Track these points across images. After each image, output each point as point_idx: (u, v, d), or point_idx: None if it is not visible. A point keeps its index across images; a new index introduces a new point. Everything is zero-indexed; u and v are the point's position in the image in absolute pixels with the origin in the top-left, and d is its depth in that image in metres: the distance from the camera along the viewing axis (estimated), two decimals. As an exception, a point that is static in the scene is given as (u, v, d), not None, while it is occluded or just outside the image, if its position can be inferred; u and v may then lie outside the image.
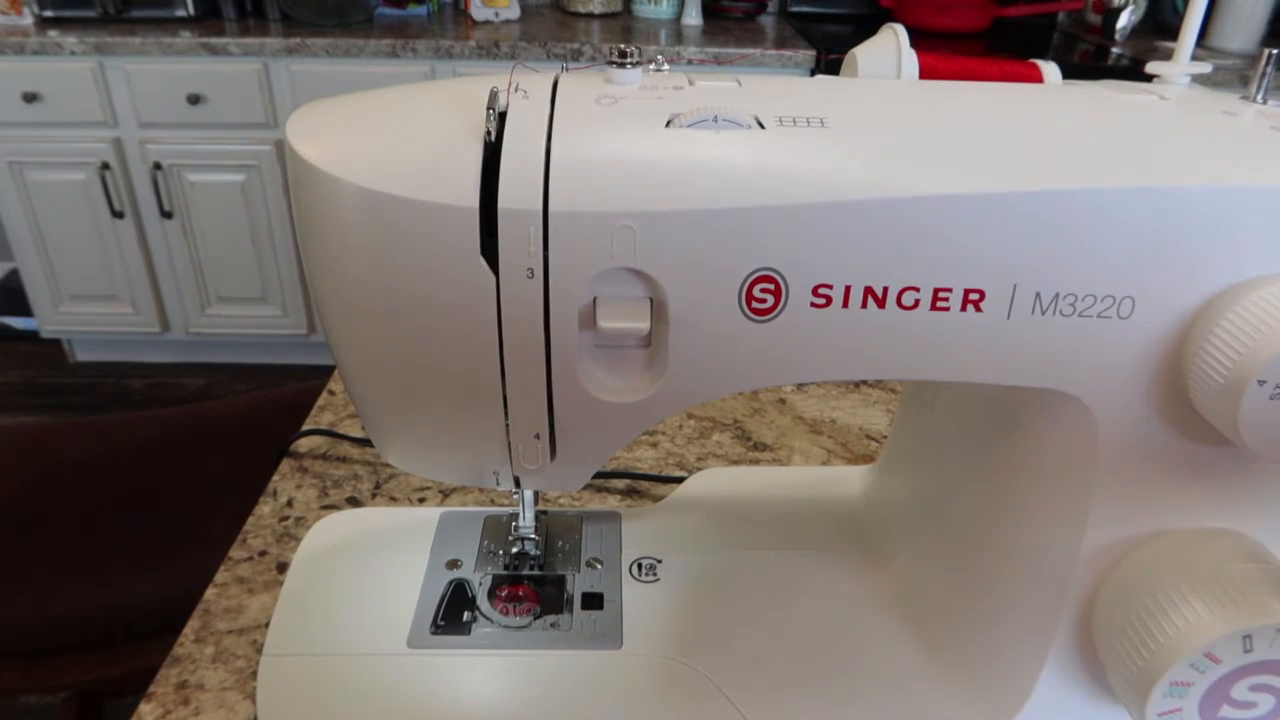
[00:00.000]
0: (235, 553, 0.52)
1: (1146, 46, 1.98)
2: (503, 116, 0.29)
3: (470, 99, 0.30)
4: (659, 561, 0.46)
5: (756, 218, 0.28)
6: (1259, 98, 0.33)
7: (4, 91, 1.78)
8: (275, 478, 0.59)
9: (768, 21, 2.17)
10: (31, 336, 2.16)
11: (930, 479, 0.44)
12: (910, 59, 0.35)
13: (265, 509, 0.56)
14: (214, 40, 1.74)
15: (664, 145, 0.28)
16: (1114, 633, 0.33)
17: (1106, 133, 0.31)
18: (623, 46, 0.32)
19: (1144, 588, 0.33)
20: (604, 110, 0.30)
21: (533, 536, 0.46)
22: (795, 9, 2.21)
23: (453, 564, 0.46)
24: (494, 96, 0.29)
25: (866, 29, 2.13)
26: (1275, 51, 0.32)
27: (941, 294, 0.30)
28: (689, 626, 0.42)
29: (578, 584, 0.45)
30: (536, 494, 0.47)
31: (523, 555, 0.46)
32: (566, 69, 0.33)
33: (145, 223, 1.94)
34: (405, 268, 0.29)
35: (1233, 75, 1.79)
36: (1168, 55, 0.35)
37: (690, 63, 1.80)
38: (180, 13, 1.85)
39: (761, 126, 0.29)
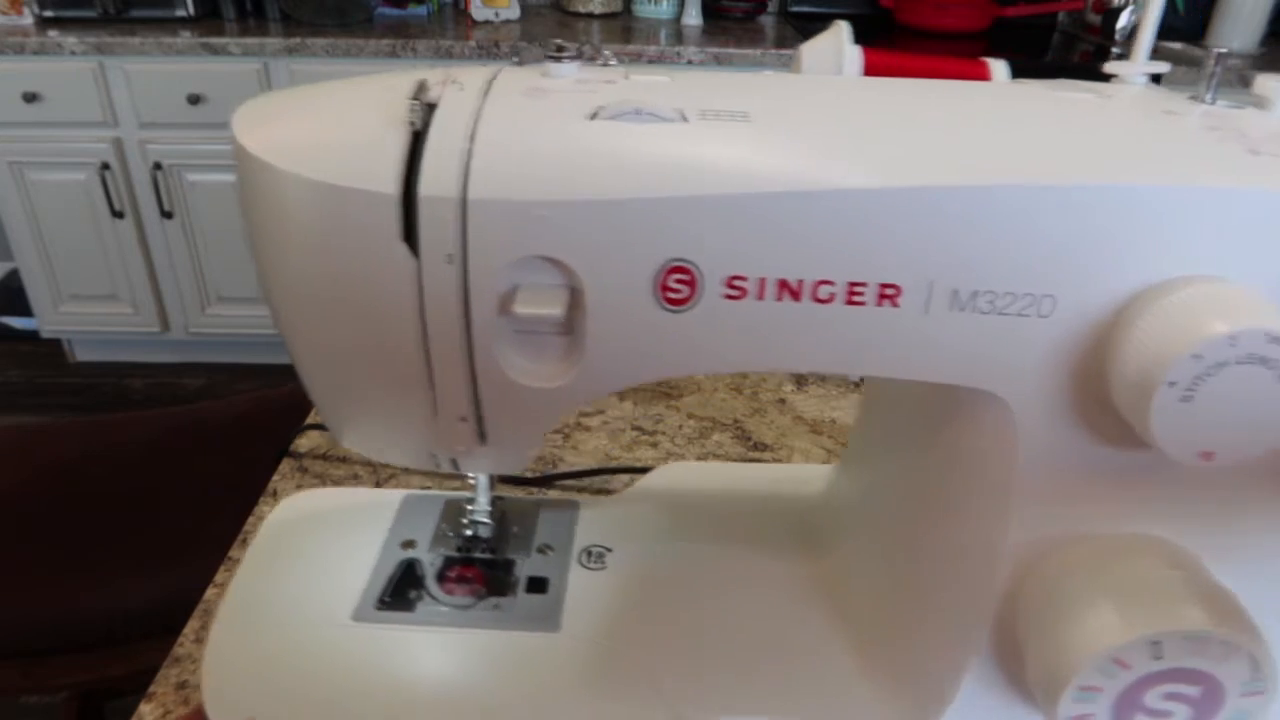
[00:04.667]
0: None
1: (1146, 46, 1.98)
2: (433, 107, 0.29)
3: (408, 91, 0.31)
4: (608, 550, 0.47)
5: (670, 209, 0.28)
6: (1208, 98, 0.32)
7: (4, 91, 1.78)
8: (275, 478, 0.59)
9: (768, 21, 2.17)
10: (31, 336, 2.16)
11: (875, 477, 0.45)
12: (852, 55, 0.35)
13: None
14: (214, 40, 1.74)
15: (583, 137, 0.29)
16: (1031, 635, 0.33)
17: (1032, 131, 0.30)
18: (559, 41, 0.32)
19: (1061, 591, 0.32)
20: (531, 103, 0.30)
21: (486, 520, 0.47)
22: (795, 9, 2.21)
23: (407, 544, 0.47)
24: (421, 87, 0.29)
25: (867, 29, 2.13)
26: (1223, 50, 0.32)
27: (856, 288, 0.29)
28: (628, 614, 0.43)
29: (526, 568, 0.45)
30: (493, 480, 0.47)
31: (475, 538, 0.47)
32: (517, 62, 0.33)
33: (145, 223, 1.94)
34: (334, 252, 0.30)
35: (1232, 75, 1.79)
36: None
37: (690, 63, 1.80)
38: (180, 13, 1.85)
39: (685, 120, 0.30)
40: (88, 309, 2.03)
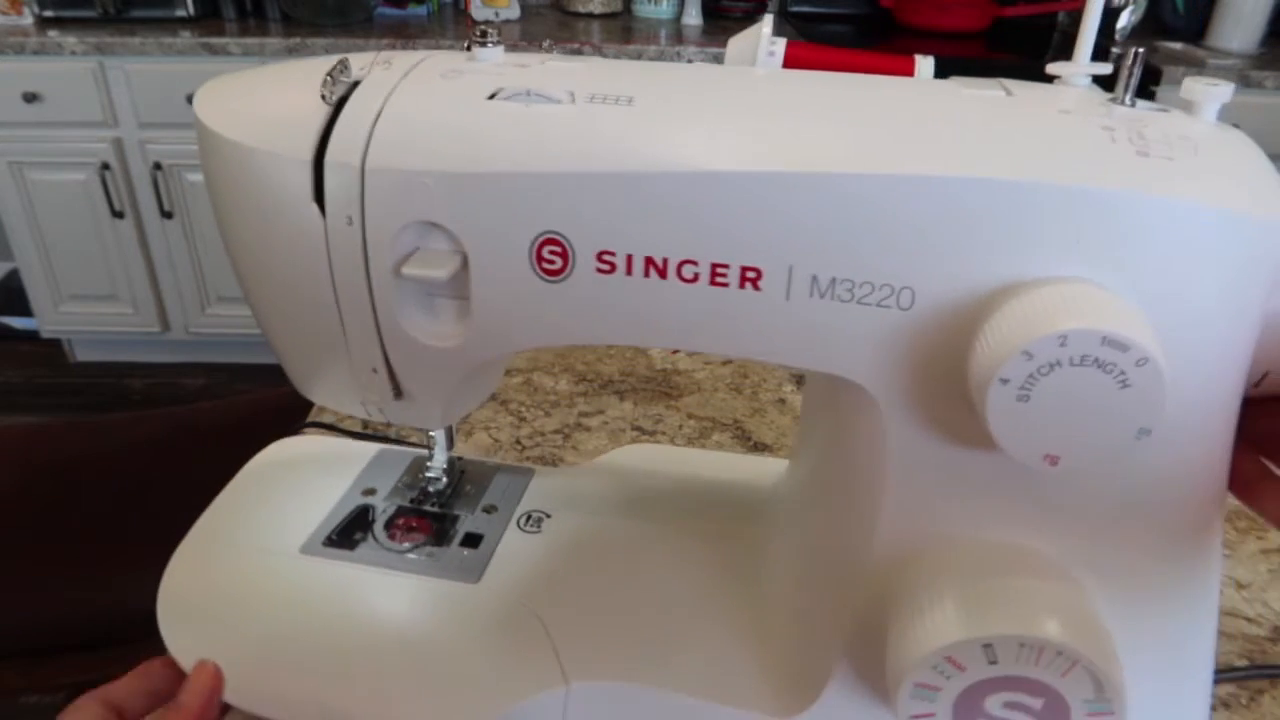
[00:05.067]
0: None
1: (1147, 46, 1.98)
2: (357, 84, 0.33)
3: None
4: (548, 516, 0.48)
5: (543, 183, 0.30)
6: (1126, 99, 0.30)
7: (4, 91, 1.78)
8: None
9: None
10: (31, 336, 2.16)
11: (798, 472, 0.46)
12: (769, 48, 0.36)
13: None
14: (214, 40, 1.74)
15: (476, 114, 0.31)
16: (889, 634, 0.32)
17: (906, 123, 0.30)
18: (484, 27, 0.35)
19: (917, 591, 0.32)
20: (444, 83, 0.33)
21: (439, 477, 0.50)
22: (795, 9, 2.21)
23: (369, 491, 0.50)
24: (342, 65, 0.32)
25: (866, 29, 2.13)
26: (1141, 50, 0.30)
27: (719, 269, 0.30)
28: (547, 576, 0.44)
29: (467, 524, 0.48)
30: (450, 439, 0.50)
31: (428, 493, 0.50)
32: (469, 46, 0.35)
33: (145, 223, 1.94)
34: (264, 211, 0.33)
35: (1232, 75, 1.79)
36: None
37: (690, 62, 1.80)
38: (180, 13, 1.85)
39: (571, 102, 0.31)
40: (88, 309, 2.03)
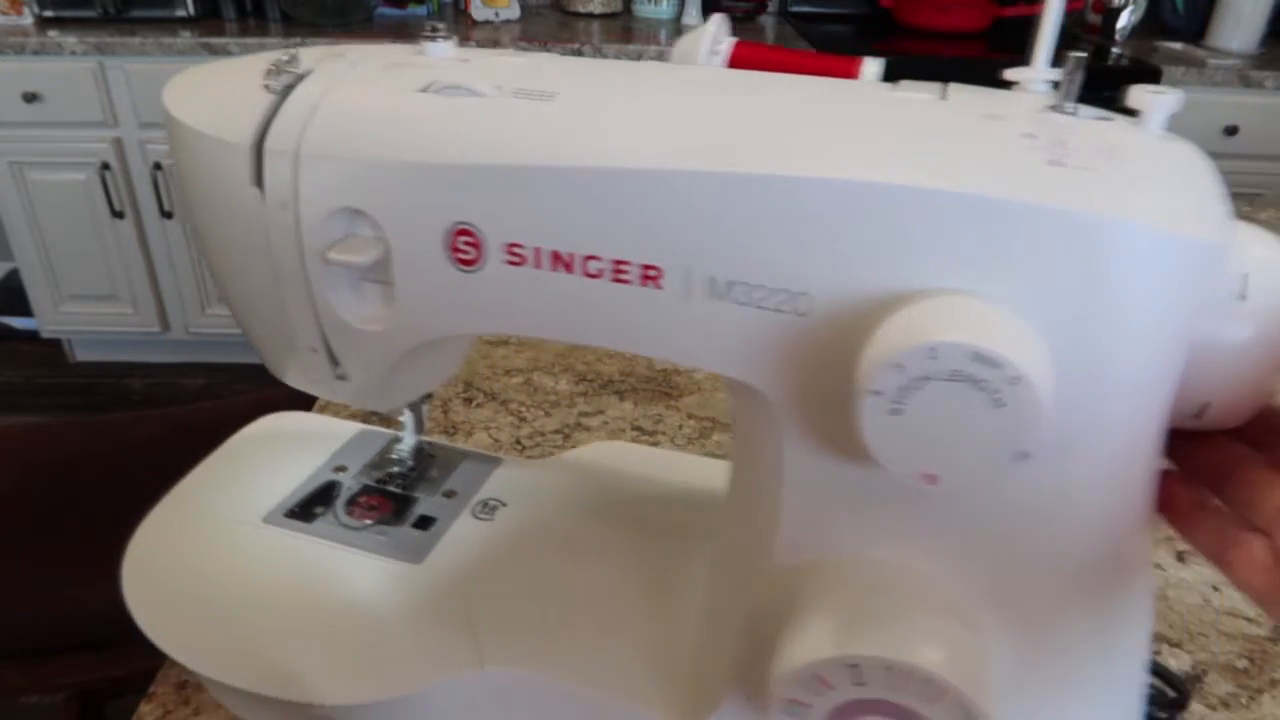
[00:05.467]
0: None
1: (1147, 46, 1.98)
2: (304, 75, 0.34)
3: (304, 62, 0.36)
4: (503, 505, 0.49)
5: (457, 174, 0.30)
6: (1069, 106, 0.29)
7: (4, 91, 1.78)
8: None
9: (768, 21, 2.18)
10: (31, 336, 2.16)
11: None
12: (713, 47, 0.35)
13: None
14: (214, 40, 1.74)
15: (404, 106, 0.32)
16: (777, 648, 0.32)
17: (819, 126, 0.29)
18: (434, 24, 0.36)
19: (805, 605, 0.31)
20: (386, 75, 0.33)
21: (405, 459, 0.51)
22: (795, 9, 2.21)
23: (340, 469, 0.51)
24: (290, 57, 0.34)
25: (866, 29, 2.13)
26: (1082, 55, 0.28)
27: (621, 266, 0.30)
28: (488, 563, 0.45)
29: (424, 507, 0.49)
30: (420, 423, 0.51)
31: (393, 474, 0.51)
32: (429, 37, 0.36)
33: (145, 223, 1.94)
34: (215, 194, 0.35)
35: (1232, 75, 1.79)
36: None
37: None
38: (180, 13, 1.85)
39: (495, 96, 0.32)
40: (88, 309, 2.03)
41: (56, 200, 1.89)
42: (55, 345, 2.18)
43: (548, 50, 1.77)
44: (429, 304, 0.33)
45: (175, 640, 0.40)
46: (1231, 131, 1.84)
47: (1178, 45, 1.98)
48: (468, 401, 0.69)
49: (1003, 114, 0.29)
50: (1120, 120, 0.29)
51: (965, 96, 0.30)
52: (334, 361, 0.38)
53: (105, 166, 1.85)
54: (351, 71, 0.34)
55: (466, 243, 0.31)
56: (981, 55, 1.88)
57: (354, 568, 0.44)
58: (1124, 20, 1.94)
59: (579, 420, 0.67)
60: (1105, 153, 0.26)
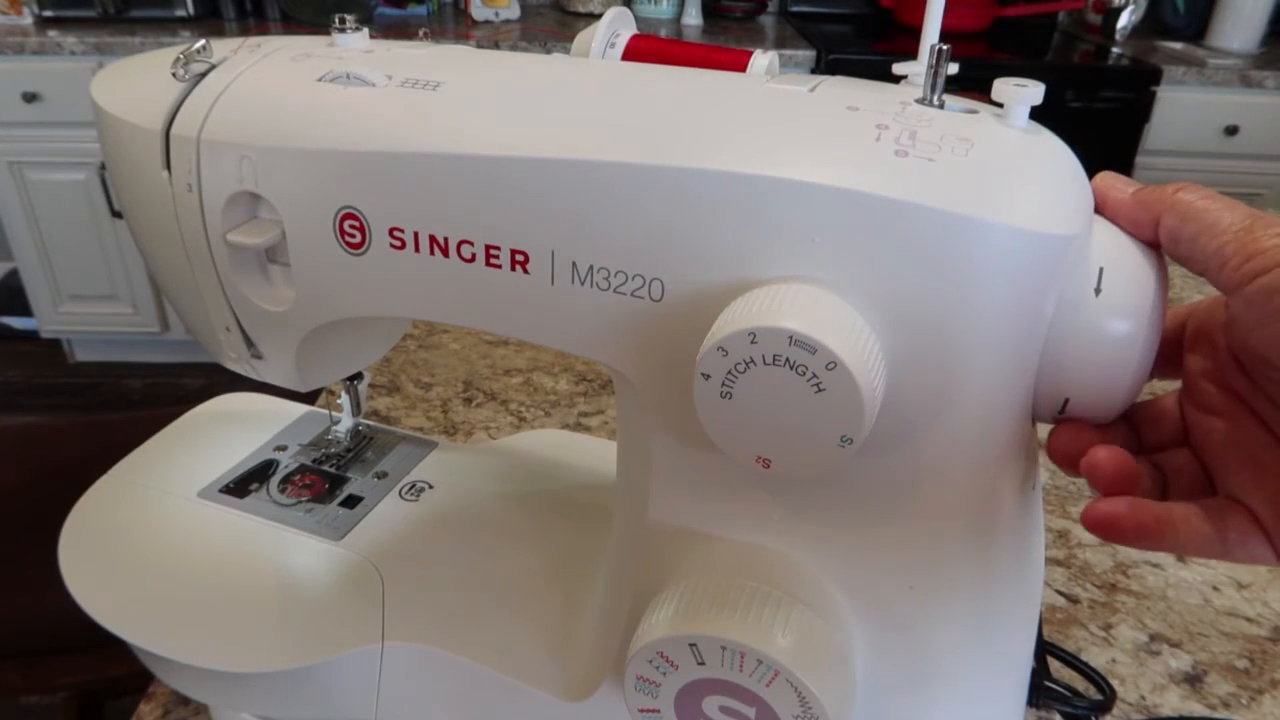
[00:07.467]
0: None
1: (1147, 46, 1.98)
2: (215, 65, 0.35)
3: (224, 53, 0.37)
4: (430, 487, 0.50)
5: (341, 160, 0.32)
6: (934, 100, 0.28)
7: (4, 91, 1.78)
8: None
9: (768, 21, 2.18)
10: (31, 336, 2.16)
11: None
12: (609, 40, 0.36)
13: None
14: (214, 40, 1.74)
15: (300, 95, 0.33)
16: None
17: (677, 115, 0.29)
18: (343, 15, 0.37)
19: (665, 587, 0.32)
20: (291, 65, 0.35)
21: (341, 440, 0.53)
22: (795, 9, 2.21)
23: (280, 448, 0.52)
24: (202, 47, 0.35)
25: (867, 29, 2.13)
26: (946, 47, 0.28)
27: (493, 251, 0.31)
28: (406, 543, 0.46)
29: (354, 487, 0.49)
30: (357, 406, 0.52)
31: (330, 454, 0.52)
32: (339, 29, 0.36)
33: (145, 223, 1.94)
34: (134, 178, 0.36)
35: (1233, 75, 1.79)
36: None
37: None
38: (180, 13, 1.85)
39: (385, 85, 0.33)
40: (87, 309, 2.03)
41: (56, 200, 1.89)
42: (55, 345, 2.18)
43: (548, 50, 1.77)
44: (323, 286, 0.35)
45: (107, 610, 0.42)
46: (1232, 131, 1.83)
47: (1178, 45, 1.98)
48: (468, 401, 0.69)
49: (865, 105, 0.29)
50: (983, 114, 0.28)
51: (836, 89, 0.30)
52: (248, 342, 0.39)
53: (105, 166, 1.85)
54: (261, 61, 0.35)
55: (353, 226, 0.33)
56: (981, 55, 1.88)
57: (276, 543, 0.45)
58: (1124, 20, 1.94)
59: (579, 420, 0.67)
60: (955, 145, 0.26)
